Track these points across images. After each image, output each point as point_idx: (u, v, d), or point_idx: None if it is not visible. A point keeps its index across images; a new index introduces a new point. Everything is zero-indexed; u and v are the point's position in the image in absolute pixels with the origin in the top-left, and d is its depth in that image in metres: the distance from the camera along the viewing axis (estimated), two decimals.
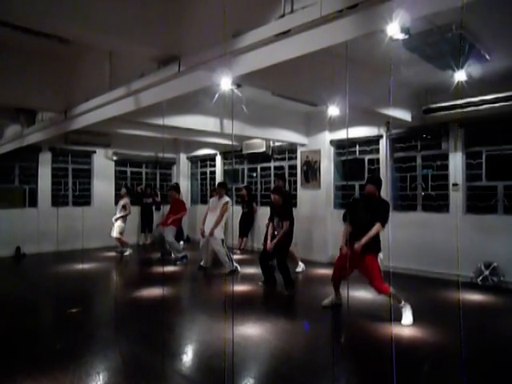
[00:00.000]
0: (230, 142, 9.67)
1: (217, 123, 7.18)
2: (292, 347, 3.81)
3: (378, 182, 4.65)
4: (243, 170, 10.64)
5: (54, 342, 3.99)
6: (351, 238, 4.42)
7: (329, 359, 3.59)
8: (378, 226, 4.29)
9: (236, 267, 6.94)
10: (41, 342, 4.03)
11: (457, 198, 6.56)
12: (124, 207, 8.84)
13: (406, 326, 4.22)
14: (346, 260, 4.36)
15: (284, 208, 5.95)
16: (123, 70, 4.93)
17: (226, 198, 7.10)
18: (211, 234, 6.80)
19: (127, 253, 8.85)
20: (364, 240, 4.29)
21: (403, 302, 4.34)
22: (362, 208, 4.53)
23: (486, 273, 6.04)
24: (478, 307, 5.16)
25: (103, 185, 10.59)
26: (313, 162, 8.43)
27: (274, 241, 5.78)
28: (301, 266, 7.12)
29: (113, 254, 9.01)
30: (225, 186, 7.32)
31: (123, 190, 9.13)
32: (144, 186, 11.30)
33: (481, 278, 6.08)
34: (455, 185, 6.58)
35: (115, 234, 8.79)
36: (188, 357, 3.71)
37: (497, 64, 5.10)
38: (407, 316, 4.30)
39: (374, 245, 4.41)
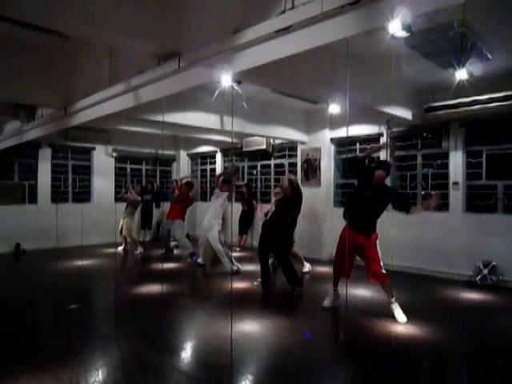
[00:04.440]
0: (230, 140, 9.65)
1: (217, 120, 7.16)
2: (291, 344, 3.80)
3: (388, 167, 4.70)
4: (243, 167, 10.63)
5: (54, 338, 3.99)
6: (351, 226, 4.42)
7: (328, 356, 3.59)
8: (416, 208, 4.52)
9: (238, 267, 6.87)
10: (40, 338, 4.03)
11: (457, 196, 6.56)
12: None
13: (403, 323, 4.21)
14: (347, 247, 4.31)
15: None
16: (123, 66, 4.91)
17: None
18: None
19: (138, 251, 8.76)
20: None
21: (393, 299, 4.35)
22: (371, 195, 4.46)
23: (485, 272, 6.04)
24: (476, 306, 5.15)
25: (103, 181, 10.58)
26: (313, 159, 8.42)
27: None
28: (307, 266, 6.99)
29: (112, 250, 9.00)
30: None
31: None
32: (144, 182, 11.28)
33: (480, 276, 6.07)
34: (455, 184, 6.57)
35: (124, 231, 8.87)
36: (187, 353, 3.72)
37: (499, 63, 5.08)
38: (400, 313, 4.30)
39: (374, 227, 4.47)
